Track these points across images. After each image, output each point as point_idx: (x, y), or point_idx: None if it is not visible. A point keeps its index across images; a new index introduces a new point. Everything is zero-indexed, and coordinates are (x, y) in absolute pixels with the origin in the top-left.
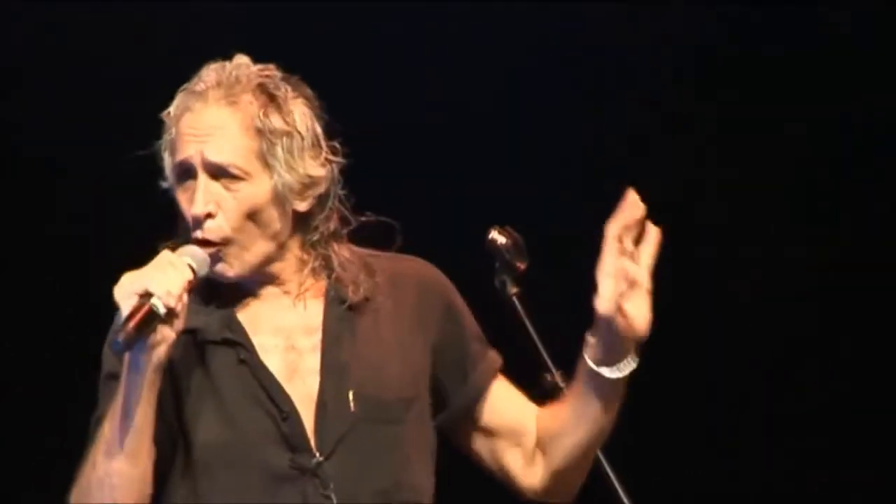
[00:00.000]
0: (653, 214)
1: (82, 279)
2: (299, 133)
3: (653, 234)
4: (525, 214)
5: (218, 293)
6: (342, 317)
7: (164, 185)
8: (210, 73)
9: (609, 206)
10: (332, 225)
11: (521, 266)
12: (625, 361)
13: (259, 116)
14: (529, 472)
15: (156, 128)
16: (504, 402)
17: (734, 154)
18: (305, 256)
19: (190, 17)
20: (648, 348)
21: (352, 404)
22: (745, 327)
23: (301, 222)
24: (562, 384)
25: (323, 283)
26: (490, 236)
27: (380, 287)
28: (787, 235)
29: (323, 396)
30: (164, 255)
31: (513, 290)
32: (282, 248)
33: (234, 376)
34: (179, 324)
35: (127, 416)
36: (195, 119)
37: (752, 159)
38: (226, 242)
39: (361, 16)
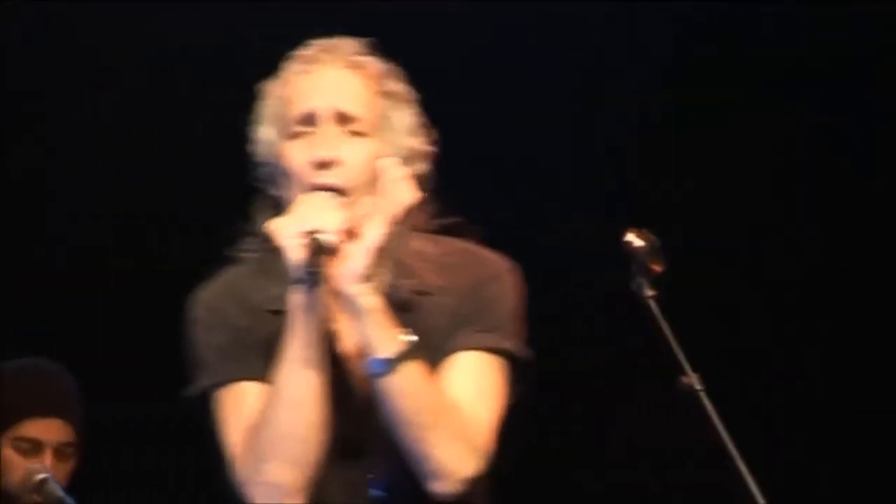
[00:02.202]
0: (654, 214)
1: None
2: (413, 105)
3: None
4: (523, 214)
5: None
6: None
7: (261, 158)
8: (321, 44)
9: (610, 206)
10: (417, 216)
11: (658, 268)
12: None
13: (383, 81)
14: None
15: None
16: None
17: (734, 153)
18: None
19: (192, 22)
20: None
21: None
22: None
23: None
24: (697, 387)
25: (381, 277)
26: (626, 239)
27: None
28: (786, 234)
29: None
30: (310, 198)
31: (649, 292)
32: None
33: None
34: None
35: (310, 361)
36: (319, 78)
37: (752, 158)
38: (344, 192)
39: (361, 15)
